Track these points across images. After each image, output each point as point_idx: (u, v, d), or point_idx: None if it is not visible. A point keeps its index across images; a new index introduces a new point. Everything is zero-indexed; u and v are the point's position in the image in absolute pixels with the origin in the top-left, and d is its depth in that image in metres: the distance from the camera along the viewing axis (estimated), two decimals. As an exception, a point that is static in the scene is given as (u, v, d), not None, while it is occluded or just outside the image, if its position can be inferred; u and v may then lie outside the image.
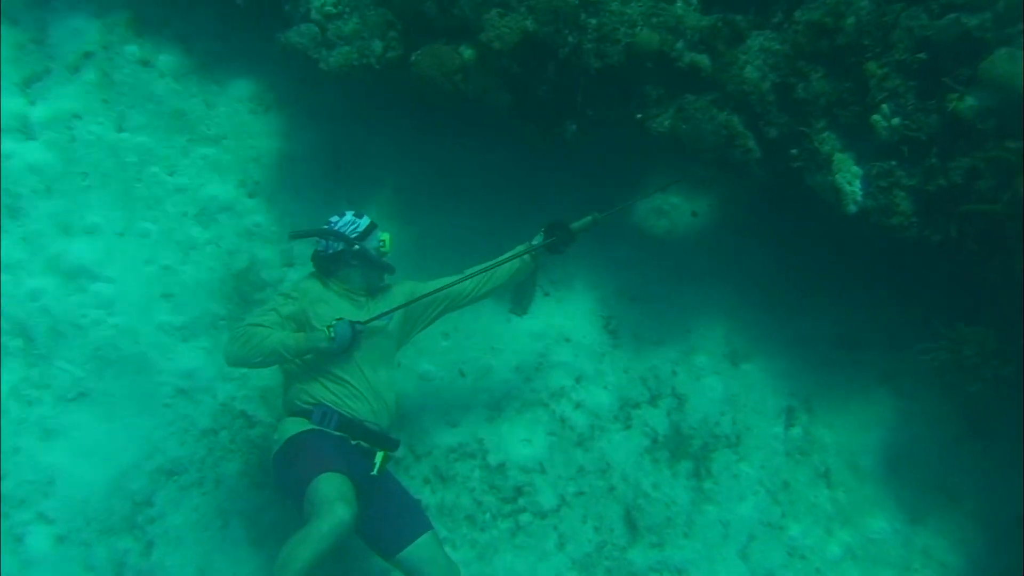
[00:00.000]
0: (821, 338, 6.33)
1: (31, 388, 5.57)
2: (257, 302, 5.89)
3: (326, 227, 5.29)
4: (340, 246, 5.27)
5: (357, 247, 5.27)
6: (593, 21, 5.24)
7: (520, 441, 5.89)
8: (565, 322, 6.23)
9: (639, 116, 5.49)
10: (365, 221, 5.36)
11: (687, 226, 6.46)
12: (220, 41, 6.27)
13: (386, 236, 5.37)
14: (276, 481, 5.19)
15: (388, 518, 5.04)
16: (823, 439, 6.22)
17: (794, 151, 5.46)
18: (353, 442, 5.14)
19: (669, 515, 5.89)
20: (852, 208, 5.36)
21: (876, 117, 5.23)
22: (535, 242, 5.46)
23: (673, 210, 6.49)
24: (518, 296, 5.94)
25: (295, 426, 5.09)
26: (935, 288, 6.13)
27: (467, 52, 5.28)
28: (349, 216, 5.34)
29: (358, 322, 5.10)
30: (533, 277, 5.88)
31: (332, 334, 5.01)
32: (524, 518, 5.74)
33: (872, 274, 6.30)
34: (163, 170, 5.99)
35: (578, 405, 6.03)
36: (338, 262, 5.30)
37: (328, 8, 5.47)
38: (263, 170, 6.17)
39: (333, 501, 4.57)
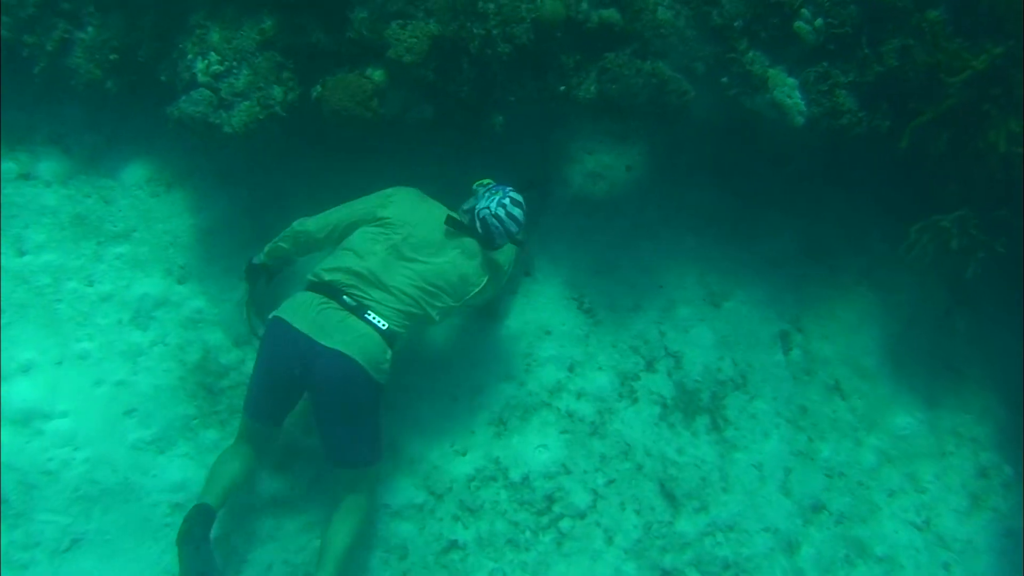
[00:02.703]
0: (791, 256, 6.29)
1: (19, 551, 5.06)
2: (223, 390, 5.51)
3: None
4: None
5: None
6: (492, 5, 5.00)
7: (535, 448, 5.65)
8: (539, 314, 6.00)
9: (562, 88, 5.30)
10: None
11: (625, 182, 6.31)
12: (96, 132, 5.83)
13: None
14: (366, 403, 4.93)
15: None
16: (823, 353, 6.18)
17: (724, 79, 5.35)
18: None
19: (702, 475, 5.75)
20: (799, 120, 5.28)
21: (799, 24, 5.15)
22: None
23: (607, 170, 6.34)
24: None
25: None
26: (884, 178, 6.14)
27: (376, 74, 4.97)
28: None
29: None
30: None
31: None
32: (564, 524, 5.52)
33: (822, 181, 6.27)
34: (81, 283, 5.54)
35: (580, 395, 5.82)
36: None
37: (215, 67, 5.06)
38: (184, 252, 5.76)
39: None
